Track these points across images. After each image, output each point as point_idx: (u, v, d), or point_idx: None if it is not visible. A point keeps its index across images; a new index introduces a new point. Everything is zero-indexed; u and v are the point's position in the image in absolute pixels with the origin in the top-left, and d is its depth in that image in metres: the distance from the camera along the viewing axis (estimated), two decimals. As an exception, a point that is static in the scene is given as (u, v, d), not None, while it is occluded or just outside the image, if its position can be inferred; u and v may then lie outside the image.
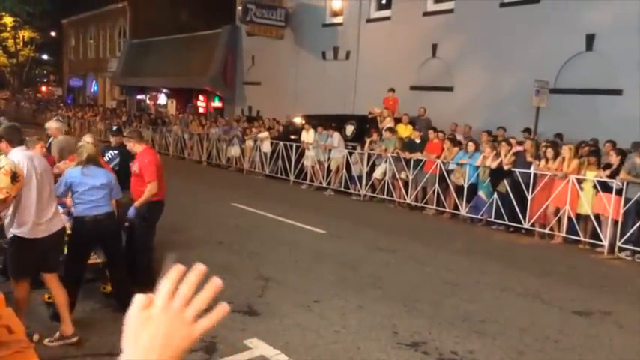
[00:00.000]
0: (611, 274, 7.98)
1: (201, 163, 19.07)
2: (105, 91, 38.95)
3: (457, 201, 11.45)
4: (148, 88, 32.96)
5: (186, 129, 20.52)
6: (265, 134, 16.57)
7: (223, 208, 11.22)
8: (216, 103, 27.94)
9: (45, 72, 55.95)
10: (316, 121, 15.02)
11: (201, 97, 29.34)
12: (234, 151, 17.56)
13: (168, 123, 22.70)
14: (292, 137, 15.66)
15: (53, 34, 45.79)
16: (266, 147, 16.25)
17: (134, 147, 6.32)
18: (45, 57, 51.12)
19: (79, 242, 5.10)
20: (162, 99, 33.07)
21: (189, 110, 26.13)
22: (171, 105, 31.22)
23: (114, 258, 5.38)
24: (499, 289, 6.81)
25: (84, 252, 5.15)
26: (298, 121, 16.66)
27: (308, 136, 14.79)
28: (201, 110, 28.13)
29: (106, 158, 7.09)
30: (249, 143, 17.04)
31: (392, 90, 15.22)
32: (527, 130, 12.05)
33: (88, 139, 6.57)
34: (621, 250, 8.92)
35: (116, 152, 7.12)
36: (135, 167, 6.21)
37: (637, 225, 8.71)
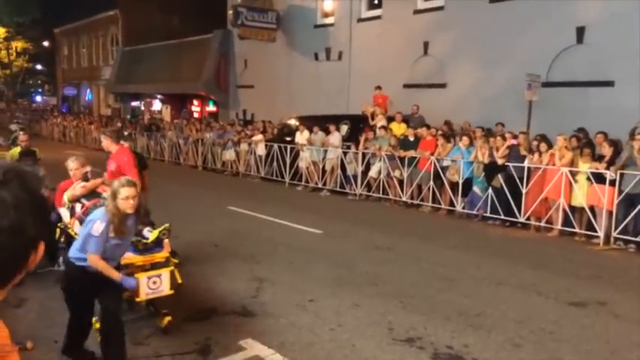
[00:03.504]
0: (606, 265, 7.98)
1: (197, 167, 19.05)
2: (99, 99, 38.95)
3: (452, 197, 11.46)
4: (142, 94, 32.95)
5: (180, 134, 20.51)
6: (260, 137, 16.56)
7: (219, 211, 11.20)
8: (211, 108, 27.93)
9: (39, 82, 55.88)
10: (310, 122, 15.02)
11: (195, 102, 29.34)
12: (229, 154, 17.54)
13: (163, 128, 22.69)
14: (287, 139, 15.66)
15: (46, 43, 45.75)
16: (261, 149, 16.25)
17: (110, 146, 6.54)
18: (39, 67, 51.07)
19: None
20: (156, 105, 33.06)
21: (184, 115, 26.11)
22: (165, 111, 31.21)
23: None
24: (495, 283, 6.81)
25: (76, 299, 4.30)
26: (292, 122, 16.66)
27: (302, 137, 14.80)
28: (195, 115, 28.11)
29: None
30: (243, 146, 17.03)
31: (379, 87, 15.23)
32: (500, 124, 12.39)
33: (71, 164, 6.04)
34: (617, 240, 8.94)
35: None
36: (111, 166, 6.34)
37: (631, 215, 8.72)
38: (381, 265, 7.50)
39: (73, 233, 5.38)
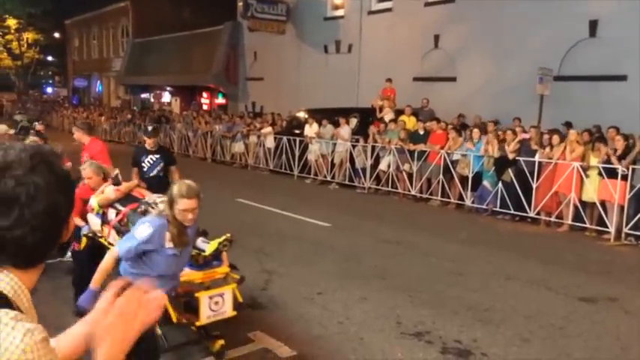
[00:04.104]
0: (617, 261, 7.92)
1: (206, 159, 19.09)
2: (109, 91, 39.09)
3: (462, 191, 11.40)
4: (152, 86, 33.03)
5: (189, 127, 20.54)
6: (269, 129, 16.55)
7: (228, 203, 11.22)
8: (220, 100, 27.95)
9: (50, 73, 56.14)
10: (319, 115, 14.99)
11: (204, 95, 29.37)
12: (238, 147, 17.56)
13: (172, 120, 22.74)
14: (296, 131, 15.64)
15: (57, 35, 45.90)
16: (270, 142, 16.24)
17: (82, 137, 6.67)
18: (49, 58, 51.28)
19: None
20: (166, 97, 33.13)
21: (193, 108, 26.17)
22: (175, 103, 31.27)
23: None
24: (504, 278, 6.77)
25: None
26: (301, 115, 16.64)
27: (311, 130, 14.77)
28: (205, 107, 28.16)
29: (146, 164, 6.50)
30: (252, 139, 17.04)
31: (389, 80, 15.13)
32: (517, 119, 11.96)
33: (86, 170, 5.37)
34: (628, 236, 8.86)
35: (158, 156, 6.55)
36: (85, 157, 6.31)
37: (643, 211, 8.64)
38: (389, 259, 7.49)
39: (105, 243, 4.82)
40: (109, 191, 5.08)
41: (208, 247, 4.37)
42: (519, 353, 4.66)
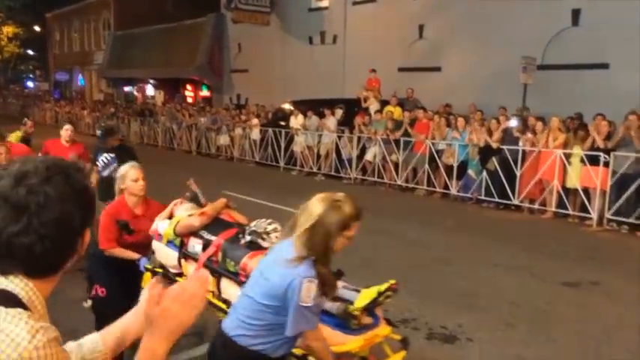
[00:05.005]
0: (599, 246, 8.05)
1: (191, 152, 18.99)
2: (91, 84, 38.61)
3: (447, 180, 11.48)
4: (135, 79, 32.69)
5: (174, 119, 20.37)
6: (256, 121, 16.50)
7: (213, 196, 11.12)
8: (205, 93, 27.77)
9: (30, 67, 55.28)
10: (305, 107, 14.97)
11: (188, 87, 29.14)
12: (224, 139, 17.49)
13: (155, 113, 22.55)
14: (281, 123, 15.60)
15: (37, 28, 45.18)
16: (255, 134, 16.20)
17: None
18: (30, 52, 50.46)
19: None
20: (149, 90, 32.81)
21: (177, 100, 25.97)
22: (159, 96, 30.99)
23: None
24: (489, 265, 6.85)
25: None
26: (287, 106, 16.60)
27: (297, 121, 14.75)
28: (189, 100, 27.96)
29: (100, 164, 6.16)
30: (238, 131, 16.98)
31: (373, 71, 15.14)
32: (503, 108, 12.03)
33: (132, 173, 3.94)
34: (610, 222, 9.00)
35: (112, 156, 6.08)
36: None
37: (624, 196, 8.77)
38: (375, 249, 7.52)
39: None
40: (187, 214, 3.84)
41: (359, 297, 3.05)
42: (504, 338, 4.73)
